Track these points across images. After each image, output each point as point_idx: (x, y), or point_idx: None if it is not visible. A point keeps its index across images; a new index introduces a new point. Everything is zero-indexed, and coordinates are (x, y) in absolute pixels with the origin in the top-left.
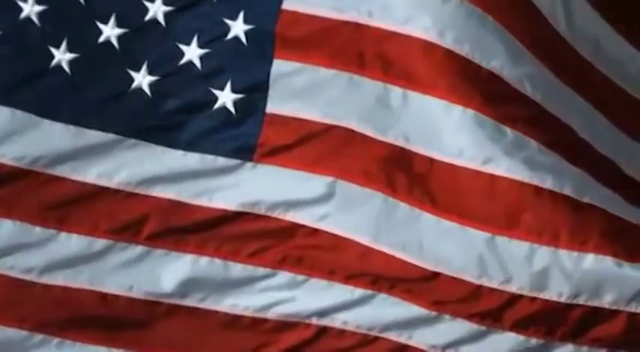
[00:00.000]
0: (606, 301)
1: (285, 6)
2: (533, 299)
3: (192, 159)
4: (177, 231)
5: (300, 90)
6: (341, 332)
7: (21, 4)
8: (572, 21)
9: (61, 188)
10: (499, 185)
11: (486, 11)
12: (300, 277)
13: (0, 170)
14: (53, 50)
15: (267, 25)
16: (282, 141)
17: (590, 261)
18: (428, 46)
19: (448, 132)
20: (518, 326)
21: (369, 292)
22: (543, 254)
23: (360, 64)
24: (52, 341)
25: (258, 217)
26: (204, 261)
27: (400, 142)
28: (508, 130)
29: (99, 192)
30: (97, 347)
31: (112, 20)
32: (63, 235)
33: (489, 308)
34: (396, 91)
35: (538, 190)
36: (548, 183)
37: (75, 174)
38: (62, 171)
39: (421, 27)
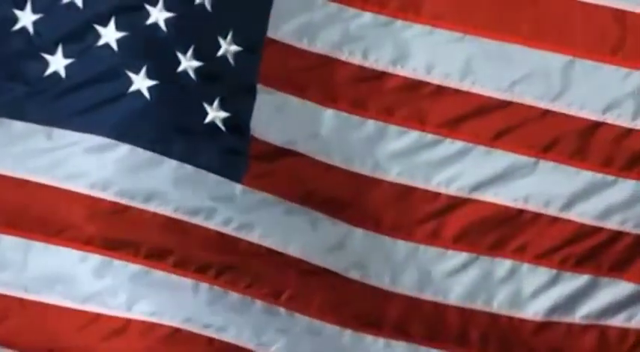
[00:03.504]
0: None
1: (269, 34)
2: None
3: (190, 172)
4: (177, 253)
5: (281, 120)
6: None
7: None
8: None
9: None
10: None
11: None
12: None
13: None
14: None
15: (253, 50)
16: (269, 167)
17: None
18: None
19: None
20: None
21: None
22: None
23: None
24: None
25: (251, 245)
26: (203, 287)
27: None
28: None
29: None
30: None
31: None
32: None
33: None
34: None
35: None
36: None
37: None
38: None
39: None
